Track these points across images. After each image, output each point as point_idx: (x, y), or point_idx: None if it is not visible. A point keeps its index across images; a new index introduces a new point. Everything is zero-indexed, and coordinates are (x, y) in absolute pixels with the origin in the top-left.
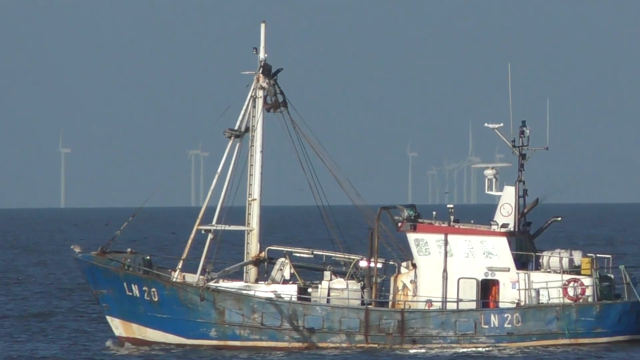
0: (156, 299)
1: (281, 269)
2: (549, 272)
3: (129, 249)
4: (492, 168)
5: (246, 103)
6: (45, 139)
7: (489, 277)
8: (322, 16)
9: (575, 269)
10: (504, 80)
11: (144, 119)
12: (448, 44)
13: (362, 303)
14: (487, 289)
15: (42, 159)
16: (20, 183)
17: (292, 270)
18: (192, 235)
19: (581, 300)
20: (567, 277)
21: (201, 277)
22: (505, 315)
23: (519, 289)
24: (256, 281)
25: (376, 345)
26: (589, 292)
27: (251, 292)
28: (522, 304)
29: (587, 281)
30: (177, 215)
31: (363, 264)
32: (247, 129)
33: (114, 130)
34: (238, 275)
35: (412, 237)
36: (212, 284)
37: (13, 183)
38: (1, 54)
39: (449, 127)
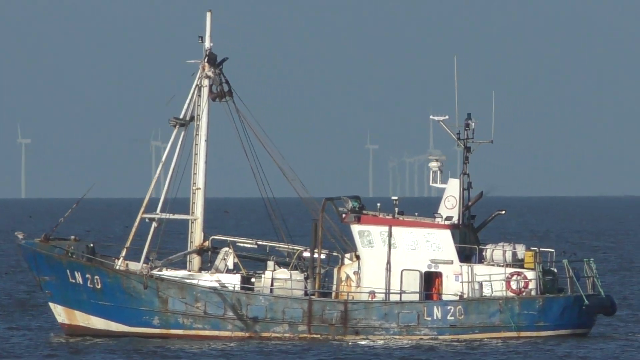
0: (99, 287)
1: (225, 259)
2: (492, 265)
3: (72, 236)
4: (437, 160)
5: (191, 92)
6: (4, 131)
7: (432, 270)
8: (268, 5)
9: (518, 263)
10: (461, 71)
11: (98, 107)
12: (406, 31)
13: (306, 294)
14: (430, 281)
15: (1, 150)
16: None
17: (236, 260)
18: (135, 224)
19: (524, 294)
20: (510, 270)
21: (144, 265)
22: (448, 307)
23: (462, 282)
24: (199, 270)
25: (319, 336)
26: (532, 285)
27: (194, 281)
28: (465, 296)
29: (530, 274)
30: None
31: (307, 254)
32: (192, 118)
33: (71, 120)
34: (181, 265)
35: (356, 228)
36: (155, 272)
37: None
38: None
39: (410, 119)
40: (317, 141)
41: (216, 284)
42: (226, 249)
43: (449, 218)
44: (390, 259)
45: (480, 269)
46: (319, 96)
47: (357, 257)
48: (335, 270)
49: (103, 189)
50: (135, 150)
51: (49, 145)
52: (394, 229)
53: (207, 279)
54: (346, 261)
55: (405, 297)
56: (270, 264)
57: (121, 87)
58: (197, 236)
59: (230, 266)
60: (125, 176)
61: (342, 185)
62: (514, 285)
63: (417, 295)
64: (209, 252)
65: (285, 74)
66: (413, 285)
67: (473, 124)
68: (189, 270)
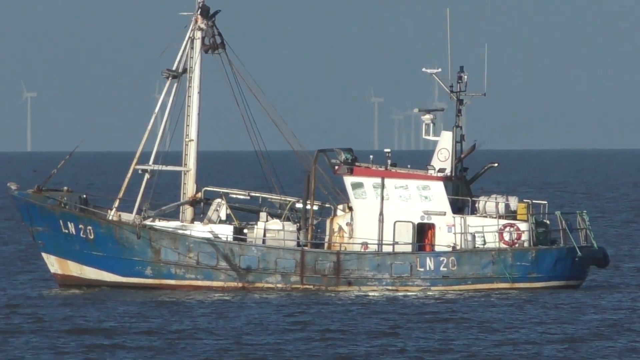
0: (92, 237)
1: (217, 210)
2: (485, 216)
3: (65, 187)
4: (430, 113)
5: (184, 44)
6: (9, 84)
7: (425, 221)
8: None
9: (511, 214)
10: (454, 23)
11: (98, 60)
12: None
13: (298, 245)
14: (423, 232)
15: (7, 103)
16: None
17: (228, 211)
18: (128, 174)
19: (517, 245)
20: (503, 222)
21: (137, 215)
22: (441, 258)
23: (454, 233)
24: (192, 221)
25: (311, 287)
26: (524, 237)
27: (187, 232)
28: (458, 248)
29: (523, 226)
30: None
31: (299, 206)
32: (184, 70)
33: (75, 74)
34: (174, 216)
35: (348, 180)
36: (148, 222)
37: None
38: None
39: (415, 72)
40: (319, 95)
41: (209, 235)
42: (219, 200)
43: (441, 170)
44: (383, 211)
45: (473, 221)
46: (321, 50)
47: (350, 209)
48: (328, 221)
49: (102, 142)
50: (136, 103)
51: (54, 99)
52: (386, 180)
53: (199, 230)
54: (339, 212)
55: (397, 249)
56: (263, 215)
57: (117, 40)
58: (189, 187)
59: (223, 217)
60: (123, 129)
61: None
62: (506, 236)
63: (410, 246)
64: (202, 204)
65: (283, 27)
66: (406, 237)
67: (465, 76)
68: (182, 221)
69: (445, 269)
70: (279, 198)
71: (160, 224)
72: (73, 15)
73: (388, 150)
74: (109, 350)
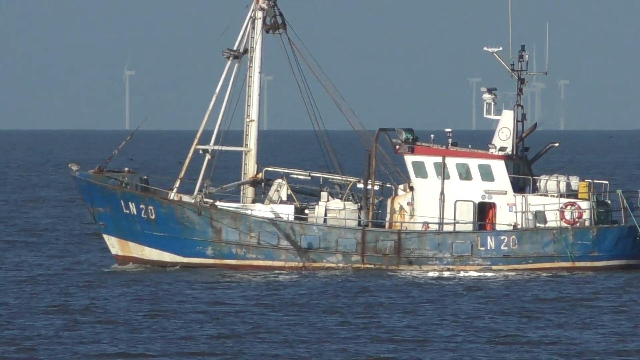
0: (153, 217)
1: (278, 190)
2: (547, 195)
3: (126, 168)
4: (491, 92)
5: (245, 24)
6: (112, 62)
7: (486, 200)
8: None
9: (572, 193)
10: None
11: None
12: None
13: (359, 224)
14: (483, 211)
15: (108, 81)
16: (89, 106)
17: (289, 192)
18: (189, 155)
19: (578, 224)
20: (564, 200)
21: (199, 193)
22: (502, 237)
23: (515, 212)
24: (253, 202)
25: (372, 266)
26: (585, 215)
27: (248, 212)
28: (519, 227)
29: (584, 205)
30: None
31: (360, 186)
32: (245, 50)
33: (169, 53)
34: (235, 197)
35: (409, 159)
36: (209, 201)
37: (83, 106)
38: None
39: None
40: (416, 74)
41: (270, 214)
42: (279, 180)
43: (502, 149)
44: (444, 190)
45: (534, 199)
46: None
47: (411, 189)
48: (389, 201)
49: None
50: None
51: (152, 77)
52: (447, 159)
53: (260, 210)
54: (399, 192)
55: (458, 228)
56: (324, 194)
57: (180, 20)
58: (250, 168)
59: (284, 198)
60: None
61: (446, 120)
62: (567, 215)
63: (471, 225)
64: (262, 184)
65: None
66: (466, 216)
67: (527, 55)
68: (242, 202)
69: (506, 248)
70: (340, 178)
71: (221, 204)
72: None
73: (449, 129)
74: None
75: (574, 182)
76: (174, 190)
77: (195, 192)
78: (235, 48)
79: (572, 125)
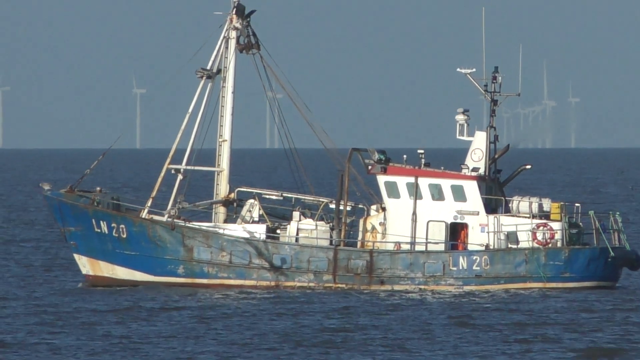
0: (124, 236)
1: (250, 210)
2: (519, 216)
3: (97, 188)
4: (463, 113)
5: (219, 43)
6: (120, 81)
7: (458, 221)
8: None
9: (544, 214)
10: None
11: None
12: None
13: (331, 244)
14: (456, 232)
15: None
16: (97, 124)
17: (261, 212)
18: (161, 174)
19: (550, 245)
20: (536, 221)
21: (171, 209)
22: (474, 257)
23: (488, 232)
24: (225, 222)
25: (344, 286)
26: (557, 236)
27: (220, 230)
28: (491, 247)
29: (556, 226)
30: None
31: (333, 206)
32: (219, 70)
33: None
34: (207, 217)
35: (382, 179)
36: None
37: (89, 124)
38: None
39: (526, 69)
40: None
41: (242, 233)
42: (252, 200)
43: (475, 169)
44: (416, 210)
45: (506, 220)
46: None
47: (383, 209)
48: (361, 221)
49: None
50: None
51: (164, 96)
52: (420, 179)
53: (232, 229)
54: (372, 212)
55: (430, 248)
56: (296, 214)
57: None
58: (222, 188)
59: (256, 218)
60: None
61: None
62: (540, 236)
63: (443, 245)
64: (235, 204)
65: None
66: (439, 236)
67: (500, 77)
68: (214, 222)
69: (478, 268)
70: (312, 198)
71: (193, 224)
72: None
73: (421, 150)
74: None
75: (546, 203)
76: (146, 209)
77: (169, 207)
78: (208, 67)
79: (584, 143)
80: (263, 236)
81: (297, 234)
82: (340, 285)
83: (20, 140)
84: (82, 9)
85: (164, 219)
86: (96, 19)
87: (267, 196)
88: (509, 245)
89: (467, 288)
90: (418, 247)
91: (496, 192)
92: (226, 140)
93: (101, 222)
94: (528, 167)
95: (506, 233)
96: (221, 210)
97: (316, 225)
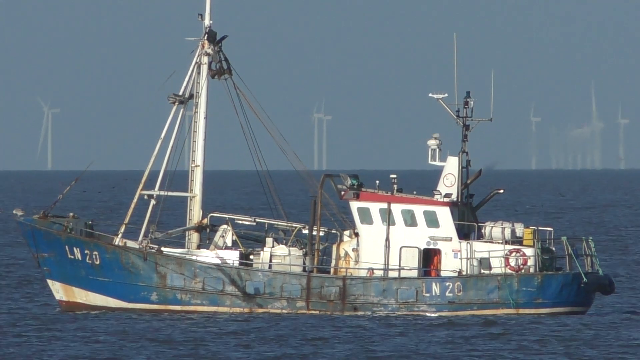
0: (98, 262)
1: (223, 236)
2: (491, 242)
3: (70, 213)
4: (435, 138)
5: (190, 69)
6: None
7: (431, 247)
8: None
9: (517, 240)
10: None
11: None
12: None
13: (304, 270)
14: (428, 258)
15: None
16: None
17: (234, 238)
18: (134, 200)
19: (523, 271)
20: (509, 247)
21: (144, 237)
22: (447, 283)
23: (460, 258)
24: (198, 248)
25: (317, 312)
26: (530, 262)
27: (193, 257)
28: (464, 273)
29: (529, 252)
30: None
31: (306, 232)
32: (191, 95)
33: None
34: (179, 243)
35: (355, 205)
36: (154, 246)
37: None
38: None
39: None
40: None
41: (215, 260)
42: (225, 226)
43: (448, 195)
44: (389, 236)
45: (479, 246)
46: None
47: (356, 235)
48: (334, 247)
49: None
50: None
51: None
52: (393, 205)
53: (206, 255)
54: (345, 238)
55: (403, 274)
56: (269, 240)
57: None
58: (195, 213)
59: (229, 243)
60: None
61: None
62: (512, 262)
63: (416, 272)
64: (208, 230)
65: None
66: (412, 262)
67: (472, 102)
68: (187, 248)
69: (451, 295)
70: (285, 224)
71: (166, 250)
72: (81, 38)
73: (394, 175)
74: None
75: (519, 229)
76: (119, 236)
77: (141, 237)
78: (180, 93)
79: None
80: (236, 263)
81: (270, 260)
82: (313, 312)
83: None
84: (62, 36)
85: (137, 246)
86: (69, 52)
87: (240, 221)
88: (482, 271)
89: (440, 314)
90: (391, 274)
91: (469, 218)
92: (199, 166)
93: (74, 249)
94: (501, 191)
95: (479, 259)
96: (194, 236)
97: (289, 252)
